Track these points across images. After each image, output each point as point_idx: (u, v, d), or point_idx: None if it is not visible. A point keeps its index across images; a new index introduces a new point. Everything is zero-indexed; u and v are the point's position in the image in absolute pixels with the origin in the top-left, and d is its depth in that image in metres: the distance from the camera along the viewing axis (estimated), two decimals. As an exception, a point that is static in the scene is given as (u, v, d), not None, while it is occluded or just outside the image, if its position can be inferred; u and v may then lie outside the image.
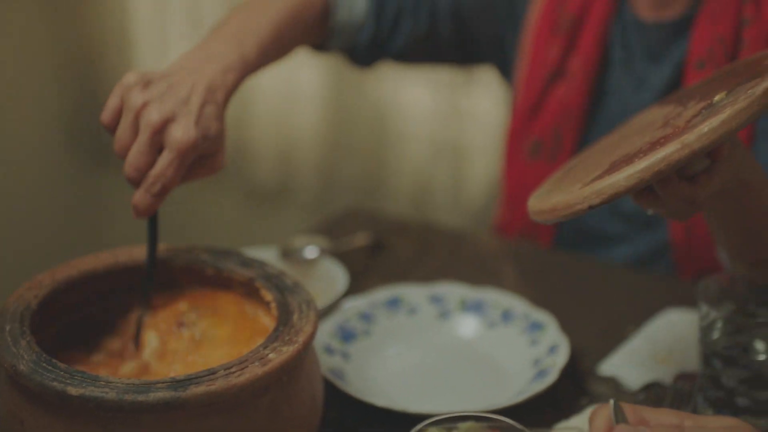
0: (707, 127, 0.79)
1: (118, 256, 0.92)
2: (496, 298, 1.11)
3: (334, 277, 1.13)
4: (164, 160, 0.86)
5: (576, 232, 1.34)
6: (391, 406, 0.92)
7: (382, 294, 1.12)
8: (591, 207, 0.82)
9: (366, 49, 1.30)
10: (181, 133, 0.86)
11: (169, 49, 2.77)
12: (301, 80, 2.59)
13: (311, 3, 1.16)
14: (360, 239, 1.28)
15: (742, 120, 0.79)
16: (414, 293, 1.12)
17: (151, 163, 0.86)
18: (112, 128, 0.88)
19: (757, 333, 0.91)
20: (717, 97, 0.84)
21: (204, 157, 0.91)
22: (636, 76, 1.26)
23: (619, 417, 0.63)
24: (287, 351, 0.77)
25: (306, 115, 2.66)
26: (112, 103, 0.89)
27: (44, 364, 0.74)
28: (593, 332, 1.09)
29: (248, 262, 0.91)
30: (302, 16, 1.13)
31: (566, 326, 1.07)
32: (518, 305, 1.10)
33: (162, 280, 0.92)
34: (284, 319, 0.82)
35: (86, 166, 2.85)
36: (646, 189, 0.87)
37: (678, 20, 1.22)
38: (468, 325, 1.09)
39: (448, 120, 2.37)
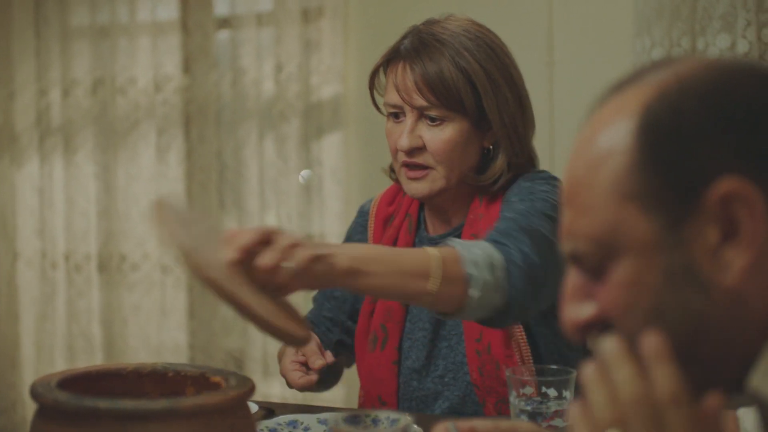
0: None
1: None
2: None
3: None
4: None
5: (409, 398, 1.78)
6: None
7: (284, 417, 1.50)
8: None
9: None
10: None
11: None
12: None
13: None
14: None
15: None
16: (307, 418, 1.51)
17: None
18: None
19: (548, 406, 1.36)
20: None
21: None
22: None
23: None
24: (241, 389, 1.16)
25: None
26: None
27: (74, 397, 1.10)
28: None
29: (197, 366, 1.30)
30: None
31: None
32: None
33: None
34: (233, 382, 1.21)
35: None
36: None
37: (453, 231, 1.78)
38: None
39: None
